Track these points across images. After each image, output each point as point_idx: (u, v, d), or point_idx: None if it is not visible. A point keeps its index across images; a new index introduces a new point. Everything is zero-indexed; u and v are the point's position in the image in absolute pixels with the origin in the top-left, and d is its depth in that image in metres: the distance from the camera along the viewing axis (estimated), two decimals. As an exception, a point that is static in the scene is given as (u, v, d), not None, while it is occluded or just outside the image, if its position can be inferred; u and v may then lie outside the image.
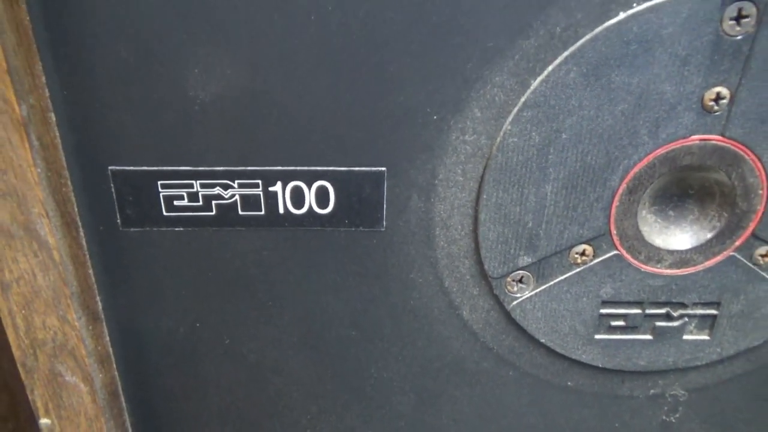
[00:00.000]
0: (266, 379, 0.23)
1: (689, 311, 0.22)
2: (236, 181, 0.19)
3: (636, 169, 0.19)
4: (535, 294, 0.21)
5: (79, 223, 0.19)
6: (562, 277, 0.21)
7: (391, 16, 0.17)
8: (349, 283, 0.21)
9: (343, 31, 0.17)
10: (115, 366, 0.22)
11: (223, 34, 0.17)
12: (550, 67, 0.18)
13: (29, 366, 0.20)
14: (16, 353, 0.20)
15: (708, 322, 0.22)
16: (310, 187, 0.19)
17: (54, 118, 0.18)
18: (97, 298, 0.20)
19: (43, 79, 0.17)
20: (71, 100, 0.18)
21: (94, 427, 0.21)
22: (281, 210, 0.20)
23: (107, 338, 0.21)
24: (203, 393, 0.23)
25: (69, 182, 0.18)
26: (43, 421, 0.21)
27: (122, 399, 0.22)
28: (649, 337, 0.23)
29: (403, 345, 0.22)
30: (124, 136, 0.18)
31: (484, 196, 0.19)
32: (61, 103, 0.18)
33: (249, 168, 0.19)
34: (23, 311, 0.19)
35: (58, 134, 0.18)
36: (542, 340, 0.22)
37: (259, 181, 0.19)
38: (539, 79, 0.18)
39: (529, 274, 0.21)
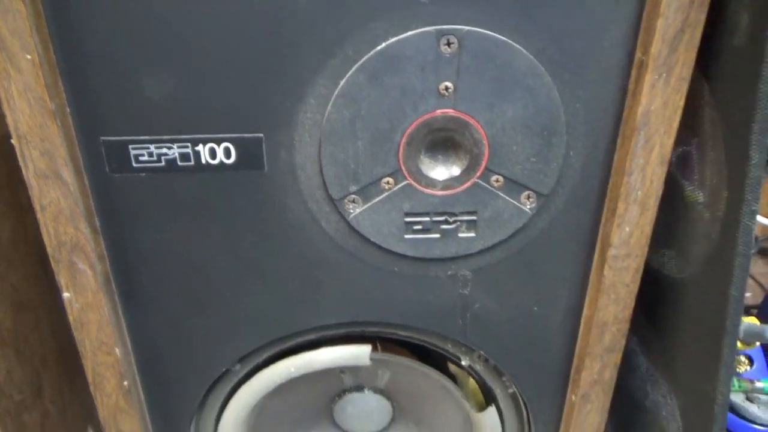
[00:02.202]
0: (203, 270, 0.36)
1: (459, 218, 0.36)
2: (175, 144, 0.32)
3: (408, 131, 0.33)
4: (363, 210, 0.35)
5: (83, 170, 0.32)
6: (377, 199, 0.34)
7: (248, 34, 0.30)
8: (245, 205, 0.34)
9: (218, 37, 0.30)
10: (107, 261, 0.35)
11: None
12: (348, 74, 0.31)
13: (56, 258, 0.33)
14: (49, 250, 0.33)
15: (472, 225, 0.36)
16: (219, 146, 0.33)
17: (68, 109, 0.31)
18: (96, 217, 0.34)
19: (60, 82, 0.30)
20: (78, 96, 0.31)
21: (95, 298, 0.35)
22: (203, 161, 0.33)
23: (102, 243, 0.34)
24: (168, 276, 0.36)
25: (77, 146, 0.32)
26: (65, 294, 0.34)
27: (113, 282, 0.36)
28: (437, 236, 0.36)
29: (284, 247, 0.36)
30: (109, 118, 0.31)
31: (323, 150, 0.33)
32: (71, 96, 0.31)
33: (183, 136, 0.32)
34: (53, 223, 0.32)
35: (70, 118, 0.31)
36: (372, 240, 0.36)
37: (189, 144, 0.32)
38: (344, 80, 0.31)
39: (357, 197, 0.34)
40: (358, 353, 0.40)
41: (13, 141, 0.30)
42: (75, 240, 0.33)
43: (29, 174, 0.31)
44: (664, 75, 0.30)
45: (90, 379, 0.37)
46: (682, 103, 0.31)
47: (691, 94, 0.31)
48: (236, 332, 0.38)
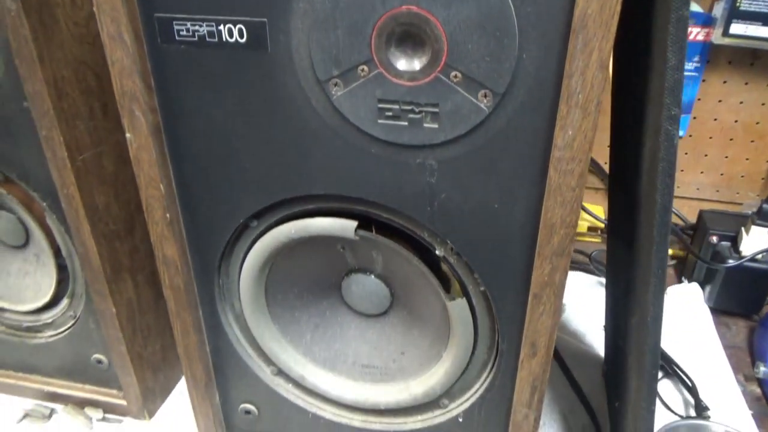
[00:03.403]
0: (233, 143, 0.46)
1: (423, 108, 0.40)
2: (204, 24, 0.42)
3: (378, 24, 0.38)
4: (344, 93, 0.41)
5: (143, 39, 0.43)
6: (355, 84, 0.41)
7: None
8: (254, 79, 0.42)
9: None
10: (159, 113, 0.46)
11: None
12: (330, -31, 0.37)
13: (121, 104, 0.45)
14: (117, 98, 0.45)
15: (435, 117, 0.40)
16: (234, 27, 0.41)
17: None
18: (150, 77, 0.44)
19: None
20: None
21: (147, 141, 0.46)
22: (224, 39, 0.42)
23: (155, 98, 0.45)
24: (200, 132, 0.46)
25: (138, 19, 0.42)
26: (128, 135, 0.46)
27: (162, 132, 0.47)
28: (406, 123, 0.41)
29: (284, 118, 0.43)
30: (162, 1, 0.42)
31: (311, 36, 0.40)
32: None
33: (209, 16, 0.41)
34: (118, 76, 0.44)
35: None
36: (352, 120, 0.42)
37: (213, 24, 0.41)
38: (327, -25, 0.38)
39: (339, 80, 0.41)
40: (346, 225, 0.47)
41: (94, 9, 0.41)
42: (133, 92, 0.44)
43: (104, 35, 0.42)
44: (599, -22, 0.32)
45: (144, 207, 0.49)
46: (618, 8, 0.33)
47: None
48: (250, 188, 0.48)
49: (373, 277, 0.54)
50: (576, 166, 0.38)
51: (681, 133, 0.98)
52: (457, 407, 0.55)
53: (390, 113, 0.41)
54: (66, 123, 0.53)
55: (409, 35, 0.38)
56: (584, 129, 0.36)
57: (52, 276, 0.66)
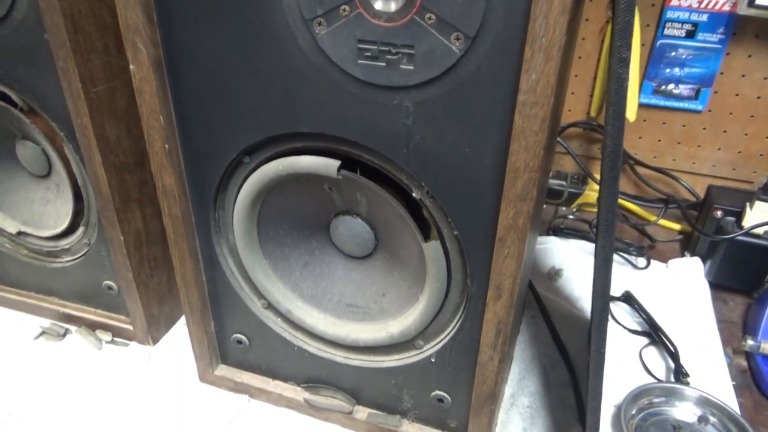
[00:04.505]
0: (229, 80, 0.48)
1: (400, 50, 0.42)
2: (201, -41, 0.44)
3: (358, -37, 0.40)
4: (327, 32, 0.43)
5: (144, -27, 0.46)
6: (337, 24, 0.42)
7: None
8: (247, 16, 0.45)
9: None
10: (160, 48, 0.49)
11: None
12: None
13: (126, 37, 0.48)
14: (121, 30, 0.48)
15: (411, 59, 0.42)
16: (227, -36, 0.43)
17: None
18: (153, 12, 0.47)
19: None
20: None
21: (148, 73, 0.49)
22: (218, -25, 0.44)
23: (157, 33, 0.48)
24: (198, 66, 0.49)
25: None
26: (131, 66, 0.49)
27: (164, 65, 0.50)
28: (383, 64, 0.43)
29: (273, 55, 0.46)
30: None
31: (297, -26, 0.42)
32: None
33: (205, -47, 0.44)
34: (123, 9, 0.47)
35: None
36: (334, 60, 0.44)
37: (209, -40, 0.44)
38: None
39: (323, 20, 0.43)
40: (329, 163, 0.50)
41: (100, -57, 0.44)
42: (136, 25, 0.47)
43: (109, -32, 0.45)
44: None
45: (145, 137, 0.53)
46: (579, -50, 0.33)
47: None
48: (242, 124, 0.50)
49: (359, 219, 0.56)
50: (539, 110, 0.39)
51: (700, 107, 0.96)
52: (430, 348, 0.58)
53: (369, 53, 0.43)
54: (81, 56, 0.57)
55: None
56: (547, 73, 0.38)
57: (69, 205, 0.70)
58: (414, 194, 0.49)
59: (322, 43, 0.44)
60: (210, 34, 0.47)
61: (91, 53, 0.58)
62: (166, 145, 0.53)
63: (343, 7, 0.42)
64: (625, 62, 0.32)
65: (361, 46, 0.43)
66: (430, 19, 0.40)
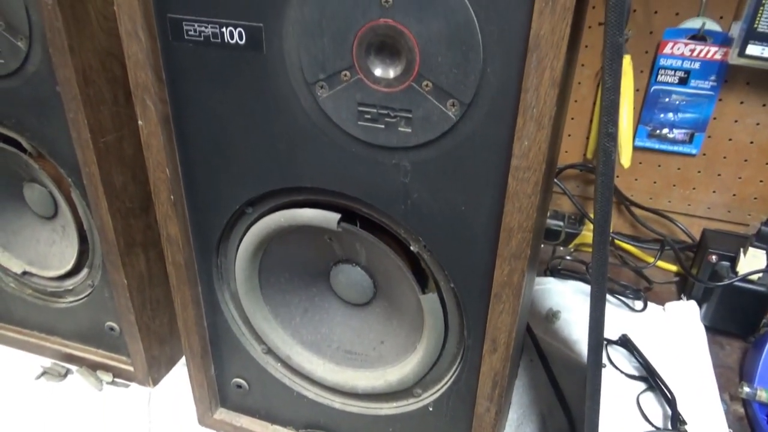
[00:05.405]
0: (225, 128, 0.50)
1: (398, 114, 0.44)
2: (209, 25, 0.46)
3: (359, 34, 0.42)
4: (329, 95, 0.45)
5: (156, 36, 0.48)
6: (338, 88, 0.44)
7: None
8: (251, 77, 0.47)
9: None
10: (168, 104, 0.51)
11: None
12: (318, -18, 0.41)
13: (135, 94, 0.50)
14: (131, 87, 0.50)
15: (409, 122, 0.44)
16: (235, 30, 0.45)
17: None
18: (162, 71, 0.49)
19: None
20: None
21: (156, 129, 0.51)
22: (226, 40, 0.46)
23: (165, 90, 0.50)
24: (203, 123, 0.51)
25: (153, 18, 0.47)
26: (140, 122, 0.51)
27: (171, 121, 0.51)
28: (383, 126, 0.45)
29: (276, 114, 0.48)
30: (173, 1, 0.46)
31: (301, 41, 0.44)
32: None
33: (213, 19, 0.46)
34: (133, 68, 0.49)
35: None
36: (335, 121, 0.46)
37: (217, 26, 0.46)
38: (316, -13, 0.41)
39: (325, 83, 0.45)
40: (330, 217, 0.51)
41: (114, 8, 0.46)
42: (145, 83, 0.49)
43: (122, 31, 0.47)
44: (550, 3, 0.35)
45: (152, 189, 0.54)
46: (567, 31, 0.35)
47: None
48: (246, 178, 0.52)
49: (358, 268, 0.58)
50: (531, 174, 0.41)
51: (694, 151, 0.98)
52: (428, 397, 0.58)
53: (368, 116, 0.45)
54: (91, 108, 0.59)
55: (387, 46, 0.42)
56: (538, 141, 0.39)
57: (74, 246, 0.72)
58: (412, 247, 0.51)
59: (324, 105, 0.45)
60: (216, 93, 0.49)
61: (100, 105, 0.60)
62: (172, 197, 0.54)
63: (344, 72, 0.44)
64: (612, 137, 0.34)
65: (361, 108, 0.45)
66: (427, 86, 0.42)
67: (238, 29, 0.45)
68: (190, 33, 0.47)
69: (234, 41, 0.46)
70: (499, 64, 0.39)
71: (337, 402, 0.63)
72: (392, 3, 0.40)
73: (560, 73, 0.37)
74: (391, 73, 0.43)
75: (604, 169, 0.34)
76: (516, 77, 0.39)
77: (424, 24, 0.40)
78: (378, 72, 0.43)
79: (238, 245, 0.58)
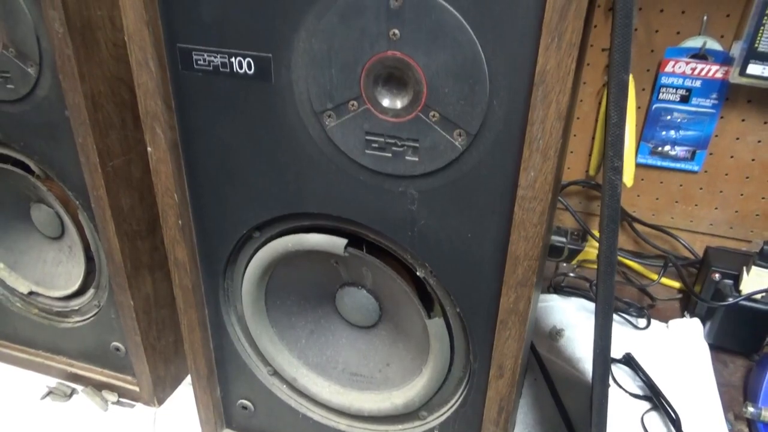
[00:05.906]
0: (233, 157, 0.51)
1: (405, 143, 0.44)
2: (218, 55, 0.47)
3: (367, 65, 0.42)
4: (336, 124, 0.46)
5: (166, 65, 0.49)
6: (346, 117, 0.45)
7: None
8: (260, 107, 0.47)
9: None
10: (177, 131, 0.51)
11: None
12: (326, 15, 0.42)
13: (144, 122, 0.50)
14: (141, 116, 0.50)
15: (416, 151, 0.44)
16: (244, 60, 0.46)
17: (159, 22, 0.47)
18: (171, 99, 0.50)
19: (156, 2, 0.46)
20: (165, 14, 0.47)
21: (165, 155, 0.51)
22: (235, 70, 0.47)
23: (174, 117, 0.51)
24: (212, 149, 0.52)
25: (163, 48, 0.48)
26: (149, 149, 0.52)
27: (179, 147, 0.52)
28: (390, 155, 0.45)
29: (284, 142, 0.48)
30: (183, 32, 0.47)
31: (309, 72, 0.44)
32: (162, 14, 0.47)
33: (223, 49, 0.46)
34: (143, 97, 0.49)
35: (160, 29, 0.47)
36: (342, 149, 0.46)
37: (226, 56, 0.47)
38: (323, 19, 0.42)
39: (333, 113, 0.45)
40: (336, 242, 0.52)
41: (125, 38, 0.47)
42: (155, 111, 0.50)
43: (132, 61, 0.48)
44: (556, 39, 0.35)
45: (160, 213, 0.55)
46: (573, 66, 0.36)
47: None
48: (254, 203, 0.53)
49: (364, 291, 0.58)
50: (537, 204, 0.41)
51: (696, 168, 0.98)
52: (434, 420, 0.58)
53: (376, 145, 0.45)
54: (100, 132, 0.59)
55: (394, 77, 0.43)
56: (544, 172, 0.40)
57: (81, 267, 0.72)
58: (418, 273, 0.51)
59: (332, 134, 0.46)
60: (225, 121, 0.49)
61: (109, 129, 0.60)
62: (180, 221, 0.55)
63: (351, 102, 0.44)
64: (618, 170, 0.34)
65: (368, 137, 0.45)
66: (434, 116, 0.42)
67: (247, 59, 0.46)
68: (199, 63, 0.48)
69: (243, 71, 0.47)
70: (506, 96, 0.40)
71: (342, 424, 0.63)
72: (400, 36, 0.40)
73: (566, 107, 0.37)
74: (399, 104, 0.43)
75: (610, 202, 0.35)
76: (522, 110, 0.40)
77: (431, 57, 0.40)
78: (385, 102, 0.43)
79: (245, 268, 0.58)
